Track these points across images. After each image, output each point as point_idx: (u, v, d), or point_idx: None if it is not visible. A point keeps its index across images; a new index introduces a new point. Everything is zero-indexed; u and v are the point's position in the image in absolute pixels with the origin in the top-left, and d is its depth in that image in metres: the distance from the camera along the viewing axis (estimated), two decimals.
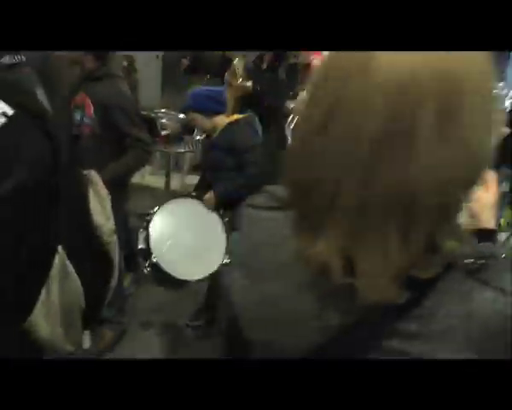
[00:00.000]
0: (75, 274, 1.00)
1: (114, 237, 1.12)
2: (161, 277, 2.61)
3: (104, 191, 1.13)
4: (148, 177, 5.32)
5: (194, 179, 5.13)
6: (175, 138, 4.37)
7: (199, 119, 2.80)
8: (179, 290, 3.00)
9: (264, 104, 3.48)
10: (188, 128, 4.87)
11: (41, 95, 1.09)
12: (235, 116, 2.84)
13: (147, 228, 2.63)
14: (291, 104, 4.56)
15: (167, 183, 4.43)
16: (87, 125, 2.55)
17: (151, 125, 4.15)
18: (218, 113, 2.80)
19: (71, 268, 1.00)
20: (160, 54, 8.35)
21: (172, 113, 4.37)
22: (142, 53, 8.12)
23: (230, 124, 2.79)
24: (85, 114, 2.55)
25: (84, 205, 1.07)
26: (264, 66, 3.76)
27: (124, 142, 2.56)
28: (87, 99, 2.54)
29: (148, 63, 8.28)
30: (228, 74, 3.75)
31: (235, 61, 3.71)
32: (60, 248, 0.98)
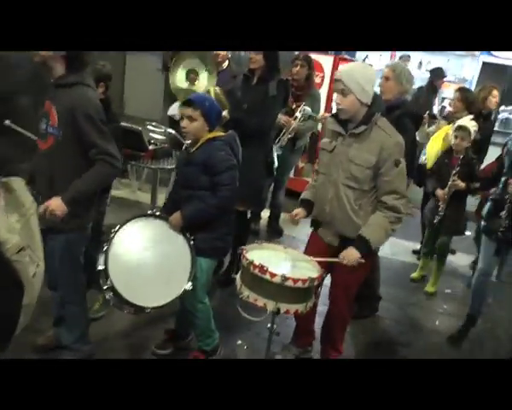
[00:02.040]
0: None
1: (23, 254, 1.03)
2: (118, 301, 2.41)
3: (28, 200, 1.02)
4: (138, 192, 5.18)
5: None
6: (163, 154, 4.20)
7: (203, 127, 2.60)
8: (139, 315, 2.79)
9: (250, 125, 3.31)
10: (177, 143, 4.70)
11: None
12: (217, 133, 2.64)
13: (106, 249, 2.43)
14: (282, 120, 4.36)
15: (153, 198, 4.26)
16: (51, 134, 2.38)
17: (137, 138, 3.98)
18: (211, 128, 2.63)
19: None
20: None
21: (162, 127, 4.18)
22: (149, 65, 8.09)
23: (209, 140, 2.61)
24: (50, 122, 2.38)
25: None
26: (255, 81, 3.57)
27: (89, 154, 2.37)
28: (52, 107, 2.38)
29: (154, 75, 8.23)
30: None
31: (216, 89, 3.42)
32: None
